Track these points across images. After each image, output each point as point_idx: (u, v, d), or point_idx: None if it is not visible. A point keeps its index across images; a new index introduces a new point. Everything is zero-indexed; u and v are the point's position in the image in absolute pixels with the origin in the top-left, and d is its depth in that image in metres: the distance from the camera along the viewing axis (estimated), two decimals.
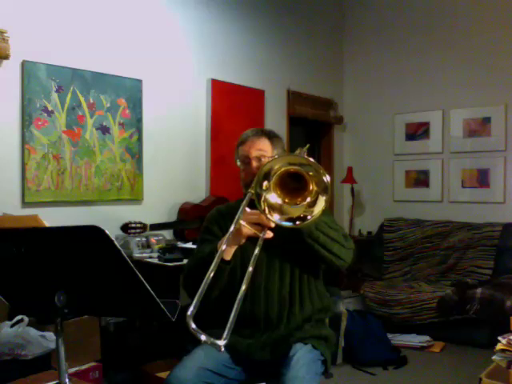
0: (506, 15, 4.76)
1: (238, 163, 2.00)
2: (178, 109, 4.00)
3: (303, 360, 1.77)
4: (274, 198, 1.65)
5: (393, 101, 5.44)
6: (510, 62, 4.73)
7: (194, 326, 1.27)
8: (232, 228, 1.59)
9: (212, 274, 1.42)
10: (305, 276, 1.94)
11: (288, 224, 1.63)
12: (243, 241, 1.70)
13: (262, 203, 1.62)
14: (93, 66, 3.43)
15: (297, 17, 5.09)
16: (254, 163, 1.91)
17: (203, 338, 1.27)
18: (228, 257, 1.73)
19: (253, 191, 1.64)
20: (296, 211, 1.64)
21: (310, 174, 1.61)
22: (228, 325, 1.33)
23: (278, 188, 1.66)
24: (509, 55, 4.74)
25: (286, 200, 1.66)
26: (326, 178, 1.58)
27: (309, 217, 1.61)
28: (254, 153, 1.92)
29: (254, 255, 1.59)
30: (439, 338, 4.10)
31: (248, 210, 1.67)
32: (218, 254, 1.53)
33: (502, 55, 4.77)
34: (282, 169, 1.64)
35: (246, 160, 1.94)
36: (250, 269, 1.56)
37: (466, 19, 4.98)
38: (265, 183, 1.64)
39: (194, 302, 1.32)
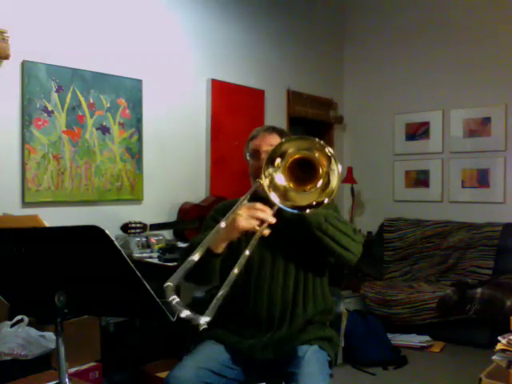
0: (506, 15, 4.76)
1: (248, 158, 2.00)
2: (178, 109, 4.00)
3: (314, 359, 1.78)
4: (280, 179, 1.63)
5: (393, 101, 5.44)
6: (510, 61, 4.73)
7: (174, 298, 1.19)
8: (223, 224, 1.51)
9: (196, 258, 1.36)
10: (310, 276, 1.93)
11: (293, 211, 1.60)
12: (236, 236, 1.62)
13: (266, 176, 1.60)
14: (93, 66, 3.43)
15: (297, 17, 5.09)
16: (264, 157, 1.91)
17: (184, 313, 1.19)
18: (218, 250, 1.66)
19: (261, 181, 1.62)
20: (304, 199, 1.61)
21: (317, 155, 1.60)
22: (214, 301, 1.26)
23: (286, 171, 1.63)
24: (509, 55, 4.74)
25: (291, 185, 1.64)
26: (329, 150, 1.58)
27: (326, 200, 1.58)
28: (264, 147, 1.92)
29: (242, 255, 1.51)
30: (439, 337, 4.10)
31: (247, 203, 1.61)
32: (206, 239, 1.44)
33: (502, 55, 4.77)
34: (296, 155, 1.62)
35: (256, 154, 1.95)
36: (247, 252, 1.51)
37: (466, 20, 4.97)
38: (277, 160, 1.62)
39: (175, 273, 1.24)
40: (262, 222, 1.58)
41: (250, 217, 1.58)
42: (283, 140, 1.69)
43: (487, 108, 4.87)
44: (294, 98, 5.02)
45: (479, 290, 3.99)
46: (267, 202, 1.63)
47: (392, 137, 5.47)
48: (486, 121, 4.89)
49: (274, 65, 4.84)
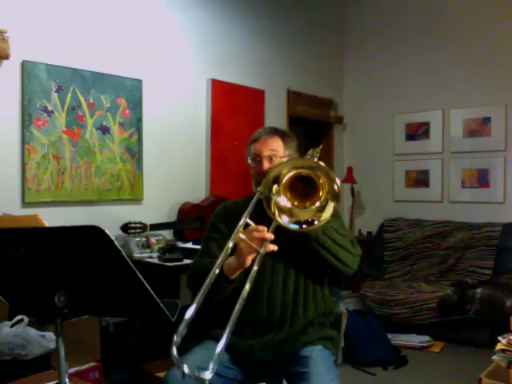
0: (505, 15, 4.76)
1: (249, 161, 1.98)
2: (178, 109, 4.00)
3: (321, 359, 1.78)
4: (283, 201, 1.65)
5: (393, 101, 5.44)
6: (510, 61, 4.73)
7: (176, 354, 1.20)
8: (230, 244, 1.55)
9: (208, 286, 1.41)
10: (310, 280, 1.93)
11: (295, 227, 1.63)
12: (248, 263, 1.63)
13: (272, 206, 1.62)
14: (93, 66, 3.43)
15: (297, 17, 5.09)
16: (266, 163, 1.90)
17: (186, 370, 1.19)
18: (232, 276, 1.70)
19: (261, 190, 1.63)
20: (304, 215, 1.63)
21: (320, 178, 1.61)
22: (215, 356, 1.28)
23: (287, 191, 1.65)
24: (509, 55, 4.74)
25: (296, 203, 1.65)
26: (337, 184, 1.58)
27: (316, 222, 1.61)
28: (265, 152, 1.91)
29: (251, 271, 1.55)
30: (439, 337, 4.10)
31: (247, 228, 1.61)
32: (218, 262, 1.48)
33: (501, 55, 4.77)
34: (293, 172, 1.63)
35: (258, 158, 1.93)
36: (255, 268, 1.55)
37: (466, 19, 4.97)
38: (274, 187, 1.64)
39: (180, 329, 1.26)
40: (262, 240, 1.60)
41: (251, 240, 1.59)
42: (280, 162, 1.73)
43: (487, 108, 4.87)
44: (294, 98, 5.02)
45: (479, 290, 3.99)
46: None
47: (392, 137, 5.47)
48: (486, 121, 4.88)
49: (274, 65, 4.84)
